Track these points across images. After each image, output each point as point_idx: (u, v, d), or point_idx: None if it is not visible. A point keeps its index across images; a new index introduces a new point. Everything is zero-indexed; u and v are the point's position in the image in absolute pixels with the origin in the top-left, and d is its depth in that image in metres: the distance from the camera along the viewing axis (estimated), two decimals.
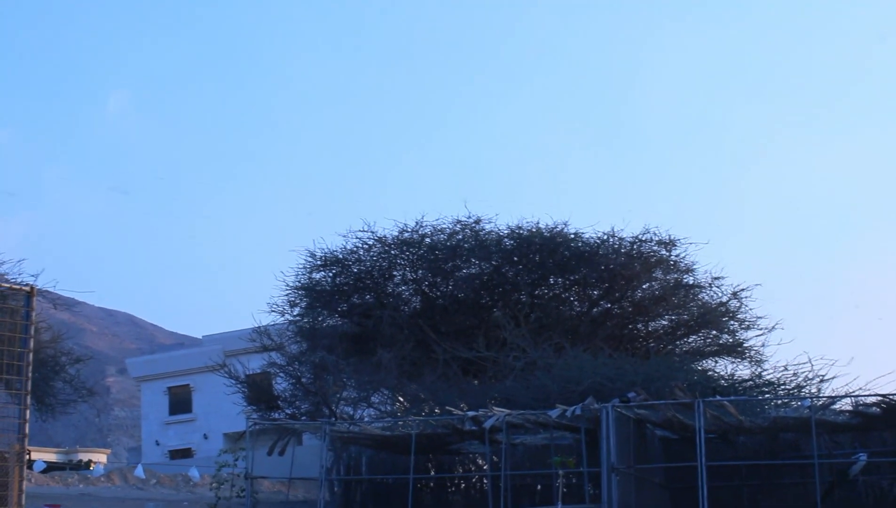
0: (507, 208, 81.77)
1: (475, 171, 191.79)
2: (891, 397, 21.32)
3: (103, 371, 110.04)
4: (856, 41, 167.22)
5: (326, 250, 35.46)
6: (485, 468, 26.68)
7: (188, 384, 58.63)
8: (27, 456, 10.53)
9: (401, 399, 33.86)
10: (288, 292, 36.23)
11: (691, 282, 35.85)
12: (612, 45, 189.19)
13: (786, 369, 29.71)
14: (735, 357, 35.42)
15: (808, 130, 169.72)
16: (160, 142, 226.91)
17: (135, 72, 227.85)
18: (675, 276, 35.79)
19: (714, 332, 35.86)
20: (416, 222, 34.76)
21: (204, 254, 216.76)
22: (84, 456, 62.73)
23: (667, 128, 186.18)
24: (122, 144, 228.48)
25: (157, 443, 58.84)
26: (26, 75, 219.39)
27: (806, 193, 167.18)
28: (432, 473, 28.10)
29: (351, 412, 33.64)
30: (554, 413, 22.19)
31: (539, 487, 26.53)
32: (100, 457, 65.87)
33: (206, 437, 56.65)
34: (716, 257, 69.63)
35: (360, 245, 35.30)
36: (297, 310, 36.55)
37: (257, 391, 36.54)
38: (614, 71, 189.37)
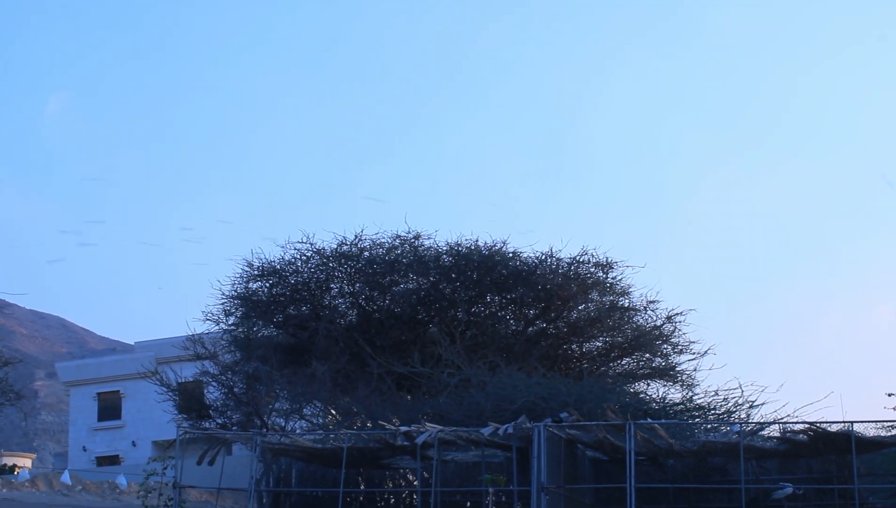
0: (447, 226, 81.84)
1: (418, 187, 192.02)
2: (817, 425, 21.64)
3: (32, 375, 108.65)
4: (795, 73, 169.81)
5: (264, 261, 35.34)
6: (415, 483, 26.66)
7: (118, 391, 58.10)
8: None
9: (333, 412, 33.75)
10: (223, 300, 36.05)
11: (627, 305, 36.13)
12: (559, 69, 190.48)
13: (716, 394, 30.07)
14: (667, 381, 35.74)
15: (748, 159, 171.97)
16: (98, 145, 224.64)
17: (75, 74, 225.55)
18: (611, 298, 36.04)
19: (647, 355, 36.16)
20: (356, 236, 34.76)
21: (138, 260, 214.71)
22: (9, 461, 61.76)
23: (608, 152, 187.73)
24: (59, 147, 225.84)
25: (85, 449, 58.21)
26: None
27: (743, 220, 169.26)
28: (362, 487, 28.03)
29: (283, 424, 33.49)
30: (486, 431, 22.26)
31: (469, 504, 26.58)
32: (25, 462, 64.92)
33: (134, 444, 56.14)
34: (652, 281, 70.24)
35: (299, 256, 35.21)
36: (231, 319, 36.35)
37: (189, 400, 36.29)
38: (561, 95, 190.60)
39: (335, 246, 34.84)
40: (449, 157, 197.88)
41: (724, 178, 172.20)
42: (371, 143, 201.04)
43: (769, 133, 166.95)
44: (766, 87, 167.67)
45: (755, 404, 29.00)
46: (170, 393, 36.06)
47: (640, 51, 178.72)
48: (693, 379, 35.45)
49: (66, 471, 41.78)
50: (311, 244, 34.92)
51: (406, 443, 23.69)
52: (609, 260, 35.21)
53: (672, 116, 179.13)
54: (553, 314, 35.61)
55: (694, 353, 35.87)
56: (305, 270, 35.46)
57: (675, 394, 34.38)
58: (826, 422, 21.64)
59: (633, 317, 36.32)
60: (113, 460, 56.27)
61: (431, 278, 34.54)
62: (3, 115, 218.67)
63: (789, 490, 22.70)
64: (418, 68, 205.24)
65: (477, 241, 34.60)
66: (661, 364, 36.02)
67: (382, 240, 34.73)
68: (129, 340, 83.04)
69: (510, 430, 21.84)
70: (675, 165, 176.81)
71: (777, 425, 24.28)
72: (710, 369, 36.16)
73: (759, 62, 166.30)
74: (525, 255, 34.72)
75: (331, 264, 35.15)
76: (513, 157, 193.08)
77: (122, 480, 40.20)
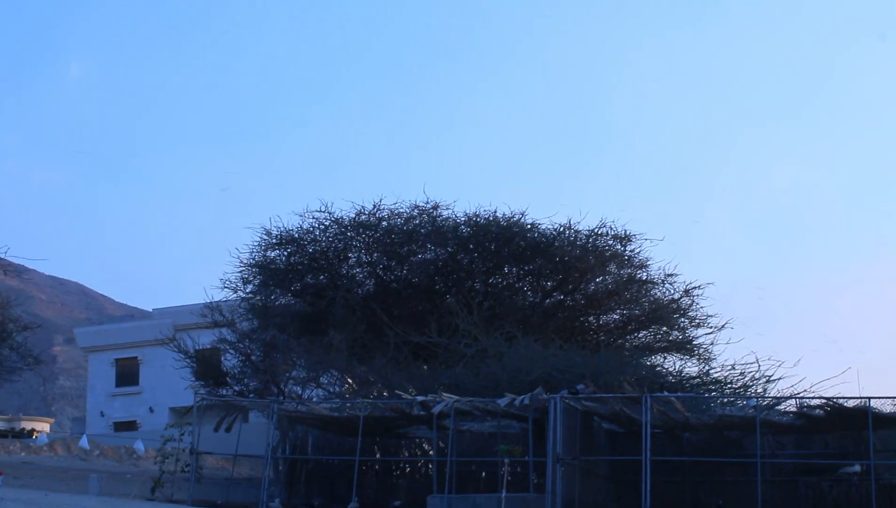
0: (467, 197, 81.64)
1: (438, 158, 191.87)
2: (834, 400, 21.59)
3: (51, 340, 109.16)
4: (821, 48, 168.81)
5: (282, 229, 35.33)
6: (431, 453, 26.73)
7: (136, 357, 58.28)
8: None
9: (350, 381, 33.83)
10: (242, 268, 36.08)
11: (644, 278, 36.05)
12: (585, 44, 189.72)
13: (733, 368, 30.05)
14: (684, 354, 35.68)
15: (769, 139, 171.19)
16: (119, 110, 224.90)
17: (97, 39, 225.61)
18: (629, 271, 35.96)
19: (664, 328, 36.09)
20: (374, 205, 34.68)
21: (158, 227, 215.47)
22: (27, 425, 62.26)
23: (632, 127, 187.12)
24: (80, 112, 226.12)
25: (102, 414, 58.46)
26: None
27: (763, 197, 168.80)
28: (378, 456, 28.12)
29: (299, 392, 33.58)
30: (502, 402, 22.30)
31: (484, 474, 26.63)
32: (43, 426, 65.44)
33: (151, 410, 56.37)
34: (670, 255, 70.17)
35: (317, 225, 35.17)
36: (249, 287, 36.39)
37: (206, 367, 36.38)
38: (581, 68, 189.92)
39: (353, 215, 34.81)
40: (472, 129, 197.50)
41: (745, 155, 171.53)
42: (395, 115, 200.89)
43: (792, 113, 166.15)
44: (787, 68, 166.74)
45: (772, 378, 28.97)
46: (187, 360, 36.16)
47: (666, 28, 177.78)
48: (710, 353, 35.42)
49: (84, 436, 42.08)
50: (330, 213, 34.90)
51: (422, 413, 23.76)
52: (627, 233, 35.12)
53: (695, 94, 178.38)
54: (570, 286, 35.55)
55: (711, 327, 35.82)
56: (323, 239, 35.42)
57: (691, 368, 34.38)
58: (843, 398, 21.61)
59: (651, 290, 36.25)
60: (130, 426, 56.53)
61: (449, 249, 34.49)
62: (25, 80, 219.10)
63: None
64: (444, 41, 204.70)
65: (495, 212, 34.54)
66: (678, 338, 35.95)
67: (401, 210, 34.68)
68: (148, 307, 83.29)
69: (527, 401, 21.87)
70: (697, 142, 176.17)
71: (794, 400, 24.26)
72: (727, 343, 36.10)
73: (783, 44, 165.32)
74: (543, 226, 34.66)
75: (349, 234, 35.11)
76: (536, 130, 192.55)
77: (139, 445, 40.48)
